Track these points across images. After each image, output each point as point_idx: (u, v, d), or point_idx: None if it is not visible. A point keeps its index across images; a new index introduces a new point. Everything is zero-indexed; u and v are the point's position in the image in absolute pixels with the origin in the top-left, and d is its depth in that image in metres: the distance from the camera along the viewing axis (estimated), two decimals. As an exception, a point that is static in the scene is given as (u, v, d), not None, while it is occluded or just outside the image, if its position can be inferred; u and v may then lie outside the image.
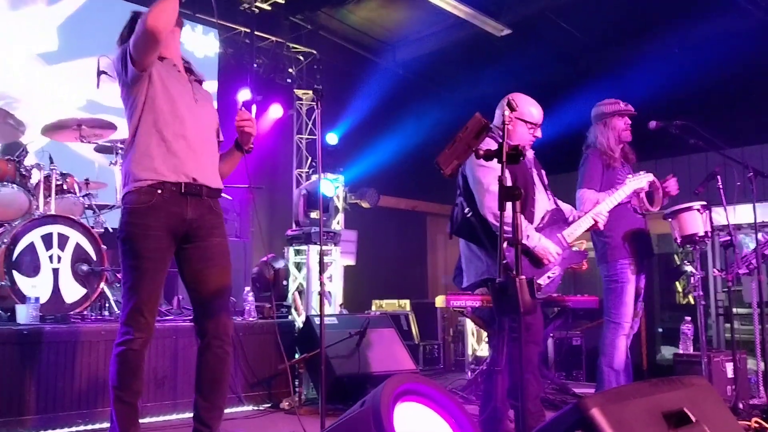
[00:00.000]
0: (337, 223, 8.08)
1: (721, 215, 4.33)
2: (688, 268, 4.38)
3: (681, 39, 7.50)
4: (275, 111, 8.33)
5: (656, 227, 4.45)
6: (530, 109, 3.46)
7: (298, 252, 6.23)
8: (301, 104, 8.67)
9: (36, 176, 4.75)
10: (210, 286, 2.90)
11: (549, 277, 3.33)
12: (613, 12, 7.62)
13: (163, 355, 4.22)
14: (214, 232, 2.93)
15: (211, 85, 7.23)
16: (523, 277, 1.95)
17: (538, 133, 3.49)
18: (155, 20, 2.67)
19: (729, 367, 4.40)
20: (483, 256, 3.36)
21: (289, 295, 5.78)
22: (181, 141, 2.83)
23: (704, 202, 4.23)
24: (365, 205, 8.67)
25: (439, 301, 3.77)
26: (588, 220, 3.52)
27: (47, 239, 4.25)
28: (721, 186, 4.29)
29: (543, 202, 3.46)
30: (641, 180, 3.84)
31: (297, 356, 4.91)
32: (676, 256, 8.13)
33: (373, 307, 7.63)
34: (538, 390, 3.55)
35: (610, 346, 4.12)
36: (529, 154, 3.54)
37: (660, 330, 7.78)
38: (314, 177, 7.92)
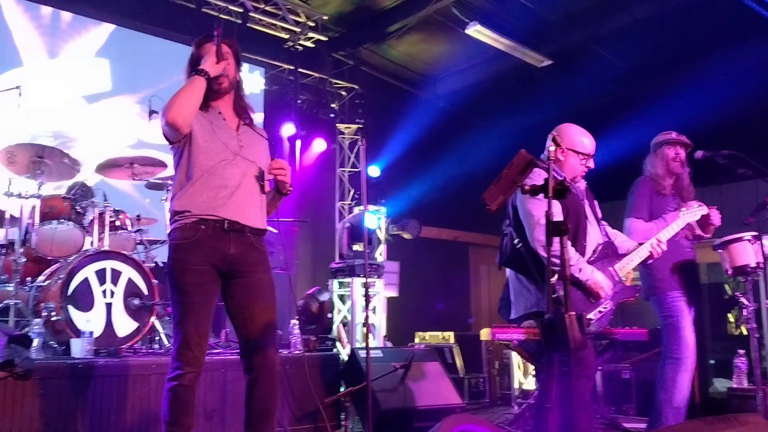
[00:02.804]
0: (380, 254, 8.12)
1: (772, 245, 4.23)
2: (743, 299, 4.28)
3: (726, 66, 7.41)
4: (318, 145, 8.48)
5: (705, 256, 4.37)
6: (582, 139, 3.43)
7: (342, 284, 6.28)
8: (344, 138, 8.80)
9: (90, 213, 4.90)
10: (256, 321, 2.93)
11: (600, 312, 3.28)
12: (655, 40, 7.59)
13: (212, 388, 4.26)
14: (258, 268, 2.97)
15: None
16: (573, 313, 1.94)
17: (591, 164, 3.45)
18: (175, 116, 2.80)
19: (786, 402, 4.26)
20: (532, 288, 3.32)
21: (334, 328, 5.81)
22: (223, 191, 2.89)
23: (755, 232, 4.15)
24: (407, 236, 8.69)
25: (485, 334, 3.74)
26: (645, 250, 3.49)
27: (101, 274, 4.36)
28: (772, 215, 4.21)
29: (595, 235, 3.41)
30: (695, 213, 3.86)
31: (342, 389, 4.92)
32: (726, 286, 7.94)
33: (417, 339, 7.60)
34: (590, 426, 3.48)
35: (670, 382, 3.99)
36: (581, 185, 3.50)
37: (712, 362, 7.57)
38: (357, 209, 8.01)
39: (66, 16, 6.64)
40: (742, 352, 4.74)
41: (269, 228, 3.16)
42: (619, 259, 3.45)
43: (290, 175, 3.07)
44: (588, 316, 3.23)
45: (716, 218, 4.09)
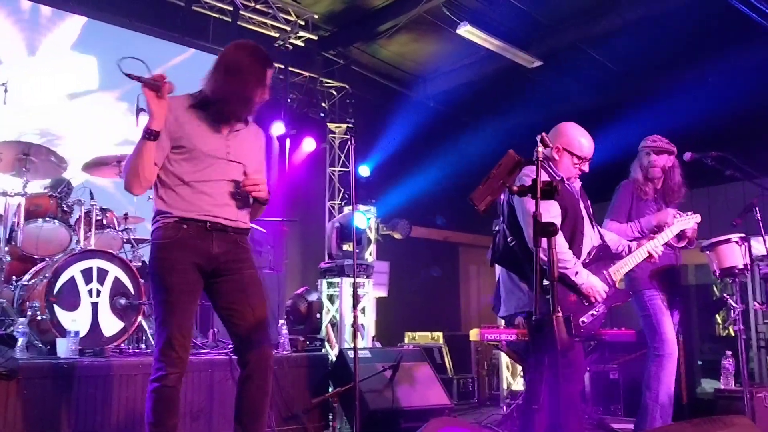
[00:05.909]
0: (369, 254, 8.11)
1: (760, 246, 4.26)
2: (731, 301, 4.30)
3: (715, 69, 7.45)
4: (308, 145, 8.45)
5: (693, 258, 4.39)
6: (580, 140, 3.35)
7: (330, 284, 6.25)
8: (334, 137, 8.79)
9: (77, 212, 4.86)
10: (248, 318, 2.90)
11: (593, 315, 3.27)
12: (645, 42, 7.61)
13: (199, 388, 4.24)
14: (244, 265, 2.94)
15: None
16: (560, 314, 1.94)
17: (585, 168, 3.38)
18: (130, 186, 2.82)
19: (773, 404, 4.28)
20: (524, 287, 3.28)
21: (323, 328, 5.79)
22: (205, 198, 2.86)
23: (742, 234, 4.17)
24: (397, 236, 8.69)
25: (474, 334, 3.74)
26: (641, 254, 3.51)
27: (87, 273, 4.32)
28: (759, 217, 4.23)
29: (590, 237, 3.38)
30: (688, 221, 3.90)
31: (330, 390, 4.90)
32: (714, 287, 7.97)
33: (406, 340, 7.60)
34: (579, 429, 3.47)
35: (654, 379, 4.03)
36: (577, 185, 3.44)
37: (699, 362, 7.59)
38: (347, 209, 7.99)
39: (52, 12, 6.57)
40: (729, 353, 4.75)
41: (258, 228, 3.13)
42: (613, 262, 3.44)
43: (265, 188, 2.97)
44: (581, 319, 3.22)
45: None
